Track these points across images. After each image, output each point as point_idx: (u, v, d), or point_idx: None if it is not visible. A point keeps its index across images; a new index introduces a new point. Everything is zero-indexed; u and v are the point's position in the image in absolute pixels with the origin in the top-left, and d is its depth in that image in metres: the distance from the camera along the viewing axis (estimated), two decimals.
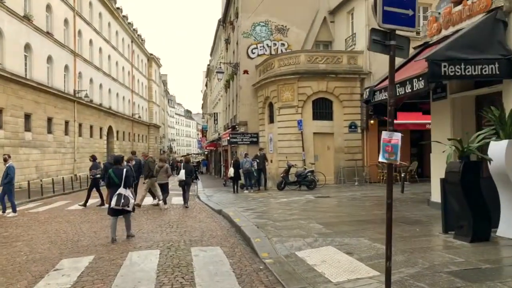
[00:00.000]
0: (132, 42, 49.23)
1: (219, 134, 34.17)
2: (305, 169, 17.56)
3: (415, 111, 14.43)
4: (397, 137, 4.15)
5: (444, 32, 9.34)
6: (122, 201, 7.82)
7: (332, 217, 9.56)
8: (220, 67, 28.98)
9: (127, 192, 7.97)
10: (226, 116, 31.12)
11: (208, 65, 51.86)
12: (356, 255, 5.96)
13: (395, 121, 16.10)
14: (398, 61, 11.71)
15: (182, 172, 13.56)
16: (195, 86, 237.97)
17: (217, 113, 39.02)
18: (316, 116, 18.88)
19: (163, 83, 75.64)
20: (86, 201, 13.86)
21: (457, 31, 8.60)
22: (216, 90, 41.89)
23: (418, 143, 20.65)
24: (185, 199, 13.56)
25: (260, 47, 22.07)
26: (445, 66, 7.31)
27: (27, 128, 23.02)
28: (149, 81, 59.18)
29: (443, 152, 6.88)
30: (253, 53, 22.08)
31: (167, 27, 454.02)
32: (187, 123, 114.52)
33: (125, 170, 8.22)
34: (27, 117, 23.02)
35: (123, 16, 45.65)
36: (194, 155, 69.72)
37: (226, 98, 31.22)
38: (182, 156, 61.36)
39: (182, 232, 8.73)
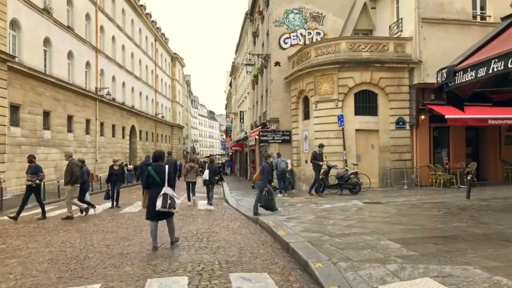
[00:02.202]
0: (155, 40, 48.06)
1: (245, 133, 32.34)
2: (347, 170, 15.50)
3: (483, 102, 12.28)
4: None
5: None
6: (169, 201, 6.80)
7: (403, 231, 7.50)
8: (249, 59, 27.05)
9: (172, 192, 6.95)
10: (254, 114, 29.26)
11: (233, 62, 50.13)
12: None
13: (451, 116, 13.50)
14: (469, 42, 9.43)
15: (206, 172, 14.01)
16: (218, 87, 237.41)
17: (243, 112, 37.20)
18: (359, 110, 16.71)
19: (187, 83, 74.54)
20: (19, 213, 10.83)
21: None
22: (241, 88, 40.12)
23: (473, 142, 18.37)
24: (209, 198, 13.95)
25: (294, 36, 20.04)
26: None
27: (46, 126, 21.85)
28: (173, 80, 58.07)
29: None
30: (286, 43, 20.07)
31: (190, 28, 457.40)
32: (210, 124, 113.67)
33: (167, 166, 6.98)
34: (46, 114, 21.84)
35: (147, 13, 44.47)
36: (218, 156, 68.20)
37: (253, 95, 29.37)
38: (206, 157, 59.98)
39: (215, 249, 6.90)
